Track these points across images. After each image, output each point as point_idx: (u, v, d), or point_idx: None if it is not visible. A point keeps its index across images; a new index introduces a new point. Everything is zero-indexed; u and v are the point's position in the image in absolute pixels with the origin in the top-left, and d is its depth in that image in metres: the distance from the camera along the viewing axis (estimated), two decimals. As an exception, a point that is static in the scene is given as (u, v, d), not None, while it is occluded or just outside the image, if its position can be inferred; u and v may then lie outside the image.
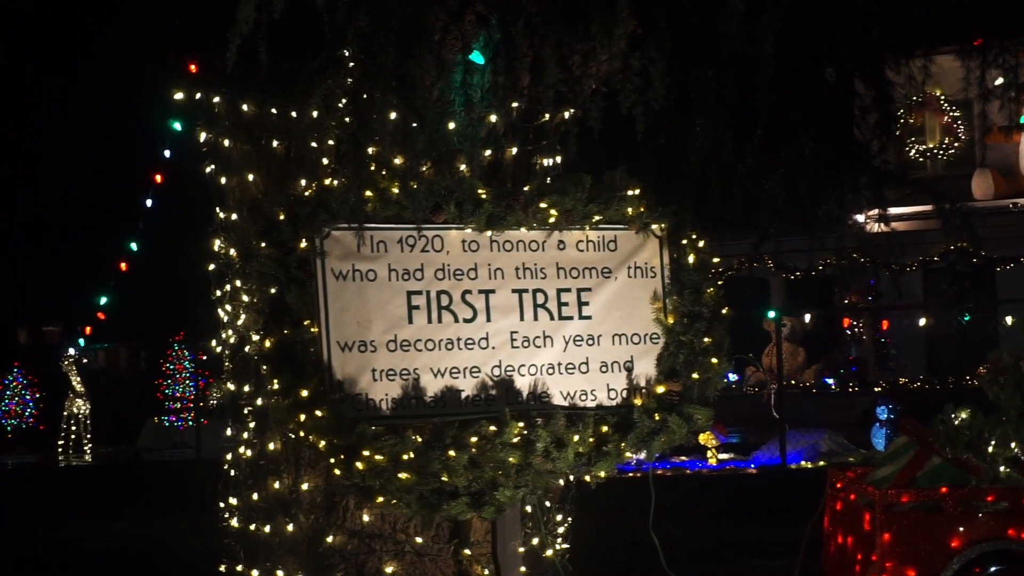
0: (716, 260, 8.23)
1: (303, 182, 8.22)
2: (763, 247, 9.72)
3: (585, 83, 8.07)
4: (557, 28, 7.66)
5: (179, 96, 8.71)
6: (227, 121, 8.76)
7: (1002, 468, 8.09)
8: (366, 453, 7.00)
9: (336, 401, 7.14)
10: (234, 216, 8.77)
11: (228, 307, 8.83)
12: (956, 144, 26.09)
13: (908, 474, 8.04)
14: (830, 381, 21.72)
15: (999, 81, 8.78)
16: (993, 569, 7.70)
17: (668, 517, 8.43)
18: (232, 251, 8.75)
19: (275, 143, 8.61)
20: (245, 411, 8.45)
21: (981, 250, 19.77)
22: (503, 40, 7.62)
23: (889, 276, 21.35)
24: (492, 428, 7.33)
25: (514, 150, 8.09)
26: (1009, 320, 9.13)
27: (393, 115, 7.70)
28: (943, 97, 25.26)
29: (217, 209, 8.91)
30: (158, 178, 20.68)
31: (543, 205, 7.70)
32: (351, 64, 8.06)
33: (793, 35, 8.18)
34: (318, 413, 7.03)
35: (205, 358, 20.82)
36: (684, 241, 8.05)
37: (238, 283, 8.62)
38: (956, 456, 8.09)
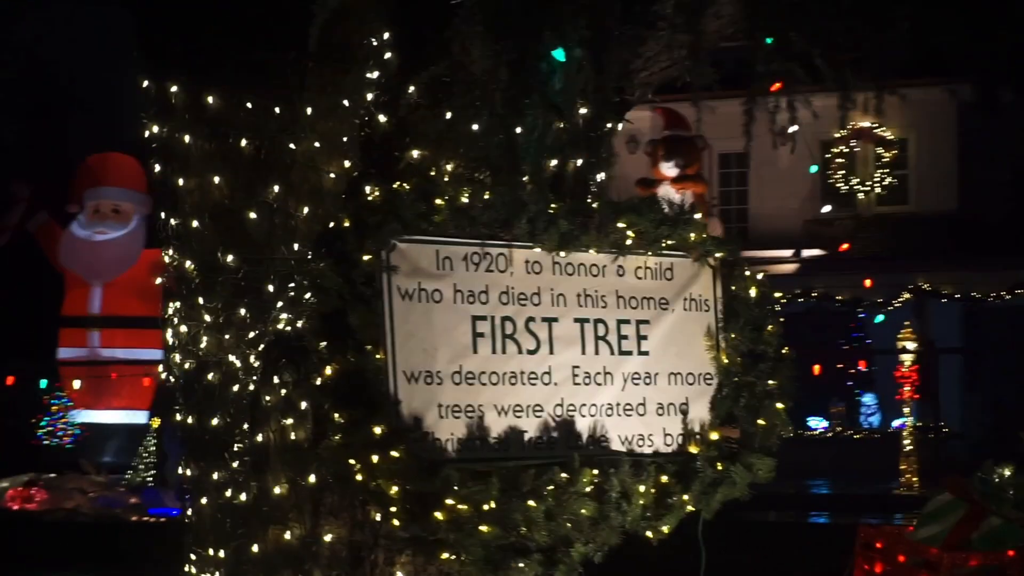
0: (778, 295, 7.55)
1: (276, 188, 7.34)
2: None
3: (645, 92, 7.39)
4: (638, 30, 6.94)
5: None
6: (187, 115, 7.65)
7: (1058, 528, 7.69)
8: (449, 502, 5.99)
9: (414, 441, 6.08)
10: (194, 223, 7.66)
11: (183, 328, 7.70)
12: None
13: (960, 534, 7.54)
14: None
15: None
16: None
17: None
18: (189, 263, 7.66)
19: (243, 142, 7.54)
20: (235, 448, 7.30)
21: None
22: (587, 39, 6.82)
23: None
24: (564, 475, 6.41)
25: (579, 162, 7.22)
26: None
27: (448, 115, 6.81)
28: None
29: (163, 214, 7.82)
30: None
31: (621, 225, 6.86)
32: (386, 55, 7.17)
33: None
34: (394, 454, 5.96)
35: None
36: (746, 272, 7.33)
37: (200, 300, 7.54)
38: (1017, 515, 7.64)
